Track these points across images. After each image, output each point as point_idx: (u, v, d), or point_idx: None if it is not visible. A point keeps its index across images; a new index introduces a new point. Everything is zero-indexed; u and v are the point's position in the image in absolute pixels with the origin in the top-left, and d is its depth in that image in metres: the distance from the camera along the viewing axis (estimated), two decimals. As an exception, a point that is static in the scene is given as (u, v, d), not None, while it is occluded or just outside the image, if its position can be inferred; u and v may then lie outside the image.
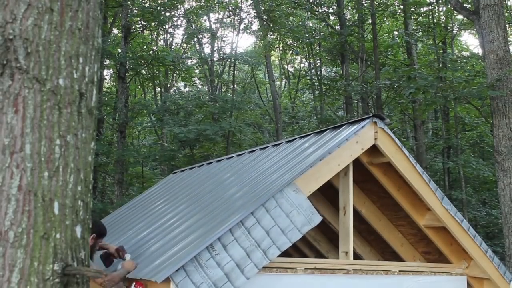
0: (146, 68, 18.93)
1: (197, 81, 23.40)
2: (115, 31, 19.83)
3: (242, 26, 20.85)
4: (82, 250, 1.96)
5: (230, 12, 21.34)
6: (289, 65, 24.61)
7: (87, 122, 2.01)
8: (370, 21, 16.65)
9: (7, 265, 1.79)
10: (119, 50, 16.84)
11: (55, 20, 1.94)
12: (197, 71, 22.40)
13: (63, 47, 1.95)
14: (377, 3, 16.94)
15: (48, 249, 1.84)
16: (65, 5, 1.96)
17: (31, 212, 1.83)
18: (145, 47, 20.35)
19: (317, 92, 19.15)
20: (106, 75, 20.97)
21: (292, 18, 19.39)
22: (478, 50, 16.82)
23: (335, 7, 17.89)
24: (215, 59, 21.09)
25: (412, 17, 16.86)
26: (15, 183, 1.83)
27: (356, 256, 6.32)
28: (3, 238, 1.80)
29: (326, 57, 19.80)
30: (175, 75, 21.44)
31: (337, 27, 18.15)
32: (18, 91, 1.87)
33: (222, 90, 21.92)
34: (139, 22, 18.80)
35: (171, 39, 22.83)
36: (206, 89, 21.88)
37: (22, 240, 1.81)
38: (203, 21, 22.10)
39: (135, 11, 17.38)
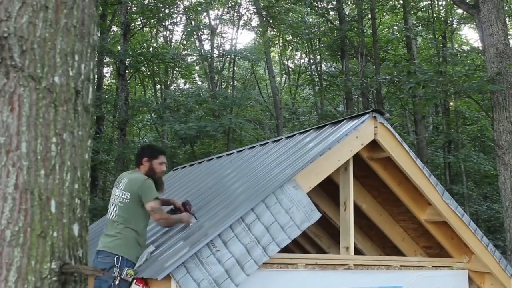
0: (146, 65, 18.90)
1: (197, 78, 23.37)
2: (115, 28, 19.81)
3: (241, 22, 20.83)
4: (79, 248, 1.96)
5: (230, 9, 21.29)
6: (289, 61, 24.55)
7: (83, 119, 2.01)
8: (369, 16, 16.61)
9: (4, 264, 1.79)
10: (119, 48, 16.82)
11: (50, 18, 1.93)
12: (197, 68, 22.36)
13: (58, 44, 1.94)
14: (376, -2, 16.90)
15: (45, 248, 1.84)
16: (60, 3, 1.95)
17: (28, 211, 1.83)
18: (144, 44, 20.32)
19: (317, 87, 19.12)
20: (106, 73, 20.93)
21: (291, 13, 19.34)
22: (478, 44, 16.76)
23: (334, 3, 17.84)
24: (214, 55, 21.05)
25: (412, 12, 16.82)
26: (11, 181, 1.83)
27: (357, 251, 6.31)
28: (0, 237, 1.80)
29: (326, 53, 19.76)
30: (175, 72, 21.41)
31: (336, 22, 18.10)
32: (13, 89, 1.86)
33: (222, 86, 21.88)
34: (139, 19, 18.76)
35: (170, 36, 22.81)
36: (206, 86, 21.84)
37: (19, 239, 1.81)
38: (202, 18, 22.05)
39: (134, 8, 17.35)
